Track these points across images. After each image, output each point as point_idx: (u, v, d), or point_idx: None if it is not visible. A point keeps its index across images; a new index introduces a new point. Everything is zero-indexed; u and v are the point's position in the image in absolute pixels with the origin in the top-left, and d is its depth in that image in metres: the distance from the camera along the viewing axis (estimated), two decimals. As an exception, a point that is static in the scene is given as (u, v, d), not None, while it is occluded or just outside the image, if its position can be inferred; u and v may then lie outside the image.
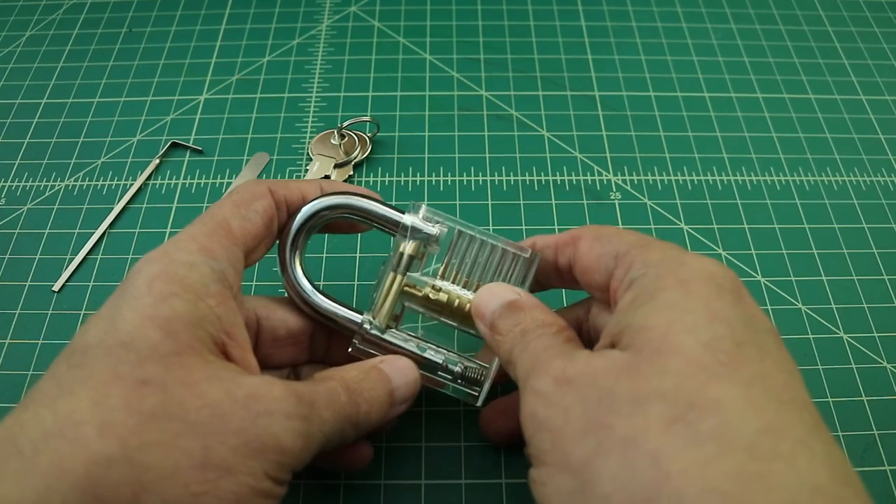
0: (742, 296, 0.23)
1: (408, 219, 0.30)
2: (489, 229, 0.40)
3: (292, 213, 0.30)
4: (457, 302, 0.29)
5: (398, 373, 0.28)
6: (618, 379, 0.21)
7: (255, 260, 0.29)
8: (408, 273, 0.30)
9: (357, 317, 0.30)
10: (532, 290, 0.30)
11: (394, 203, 0.42)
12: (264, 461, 0.22)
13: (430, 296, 0.29)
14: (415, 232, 0.30)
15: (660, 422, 0.20)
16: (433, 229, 0.30)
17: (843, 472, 0.19)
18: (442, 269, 0.30)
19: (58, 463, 0.20)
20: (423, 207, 0.30)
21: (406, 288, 0.30)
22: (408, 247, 0.30)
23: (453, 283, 0.30)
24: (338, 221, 0.31)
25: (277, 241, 0.30)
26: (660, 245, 0.25)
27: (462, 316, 0.29)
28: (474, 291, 0.29)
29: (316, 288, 0.30)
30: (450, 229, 0.30)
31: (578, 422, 0.21)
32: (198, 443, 0.21)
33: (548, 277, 0.30)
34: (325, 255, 0.40)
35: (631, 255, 0.25)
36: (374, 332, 0.29)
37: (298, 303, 0.30)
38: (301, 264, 0.30)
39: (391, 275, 0.30)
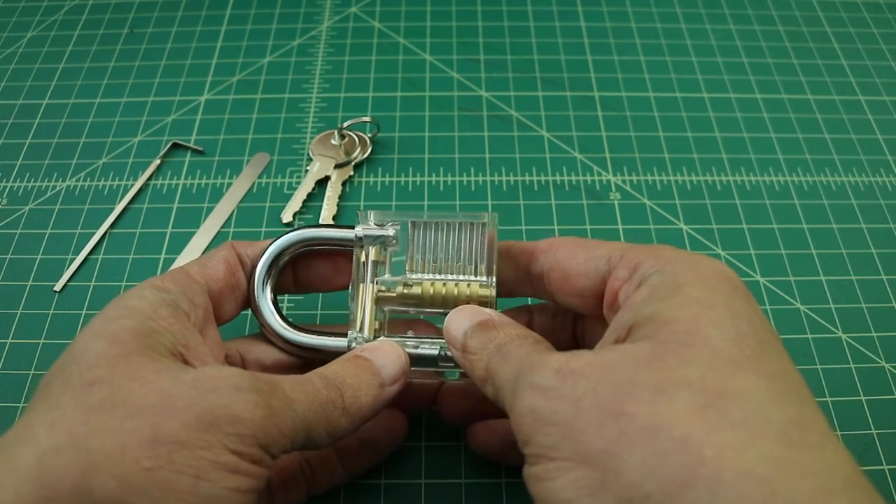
0: (751, 298, 0.23)
1: (358, 230, 0.30)
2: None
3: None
4: (432, 290, 0.29)
5: (379, 353, 0.28)
6: (638, 369, 0.21)
7: (230, 312, 0.30)
8: (376, 278, 0.30)
9: (342, 340, 0.30)
10: (496, 275, 0.29)
11: (394, 203, 0.42)
12: (220, 434, 0.22)
13: (405, 292, 0.30)
14: (369, 239, 0.30)
15: (688, 408, 0.20)
16: (387, 231, 0.30)
17: (858, 468, 0.20)
18: (408, 262, 0.30)
19: (10, 463, 0.21)
20: (372, 213, 0.30)
21: (380, 293, 0.30)
22: (367, 254, 0.30)
23: (423, 272, 0.30)
24: (314, 267, 0.31)
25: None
26: (665, 246, 0.26)
27: (443, 302, 0.29)
28: (448, 273, 0.30)
29: (293, 325, 0.30)
30: (403, 224, 0.30)
31: (592, 411, 0.20)
32: (146, 422, 0.21)
33: (519, 284, 0.30)
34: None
35: (633, 255, 0.25)
36: None
37: (281, 346, 0.30)
38: (276, 308, 0.30)
39: (361, 286, 0.30)
